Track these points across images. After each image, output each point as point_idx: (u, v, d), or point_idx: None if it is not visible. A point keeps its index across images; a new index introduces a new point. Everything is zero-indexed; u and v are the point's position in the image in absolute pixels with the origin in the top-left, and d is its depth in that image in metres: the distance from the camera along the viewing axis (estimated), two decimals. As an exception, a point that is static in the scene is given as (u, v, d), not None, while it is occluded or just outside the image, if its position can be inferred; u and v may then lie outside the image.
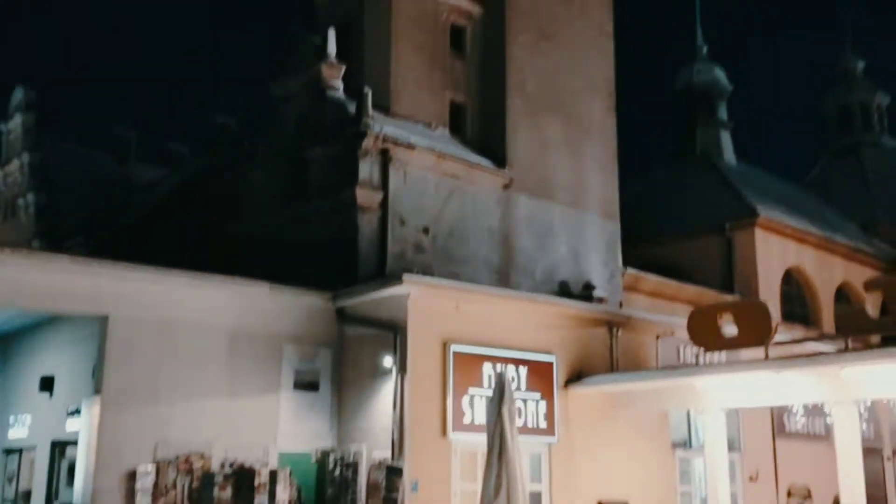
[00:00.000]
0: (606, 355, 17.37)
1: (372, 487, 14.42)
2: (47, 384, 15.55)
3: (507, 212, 21.02)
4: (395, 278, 15.21)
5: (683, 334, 16.33)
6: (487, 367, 15.54)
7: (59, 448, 15.62)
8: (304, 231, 19.30)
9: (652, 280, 25.15)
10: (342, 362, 16.14)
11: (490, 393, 13.43)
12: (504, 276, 20.39)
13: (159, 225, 29.33)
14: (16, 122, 34.16)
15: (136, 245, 26.21)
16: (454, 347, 15.22)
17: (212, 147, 34.02)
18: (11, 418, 17.16)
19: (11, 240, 30.34)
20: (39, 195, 32.41)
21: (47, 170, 33.18)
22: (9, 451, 17.15)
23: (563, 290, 21.18)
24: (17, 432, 16.81)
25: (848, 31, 47.92)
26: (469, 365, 15.36)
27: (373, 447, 14.91)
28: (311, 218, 19.28)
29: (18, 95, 34.29)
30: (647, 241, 28.55)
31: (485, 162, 20.91)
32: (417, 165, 19.25)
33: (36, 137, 33.63)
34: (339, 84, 19.76)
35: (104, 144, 38.22)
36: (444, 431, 14.87)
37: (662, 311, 22.40)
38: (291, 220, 19.85)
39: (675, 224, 29.60)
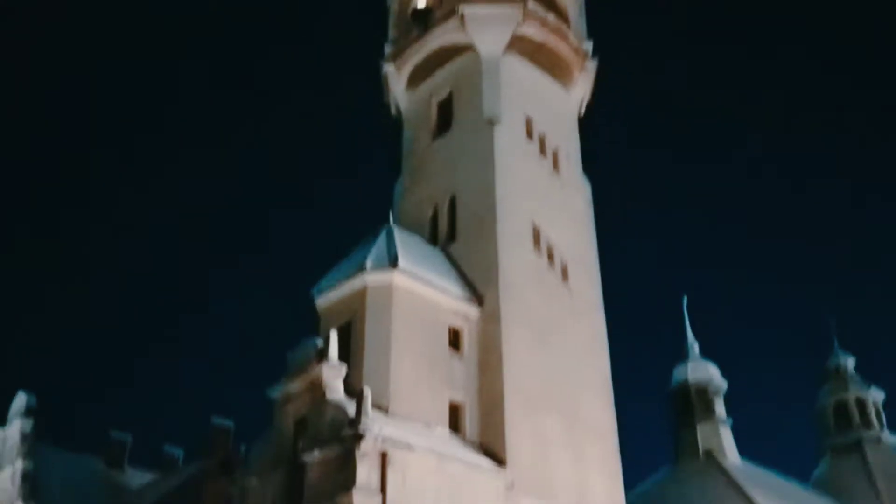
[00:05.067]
0: None
1: None
2: None
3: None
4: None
5: None
6: None
7: None
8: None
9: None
10: None
11: None
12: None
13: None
14: (13, 428, 33.97)
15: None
16: None
17: (207, 450, 33.59)
18: None
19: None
20: (28, 504, 31.36)
21: (39, 478, 32.45)
22: None
23: None
24: None
25: (834, 328, 49.35)
26: None
27: None
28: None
29: (21, 400, 34.46)
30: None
31: (485, 463, 20.61)
32: (417, 468, 18.94)
33: (31, 444, 33.28)
34: (339, 385, 20.01)
35: (99, 449, 37.70)
36: None
37: None
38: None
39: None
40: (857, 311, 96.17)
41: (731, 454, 33.70)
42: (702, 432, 34.09)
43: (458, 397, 21.98)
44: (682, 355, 37.21)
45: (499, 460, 20.88)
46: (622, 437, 24.33)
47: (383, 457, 18.40)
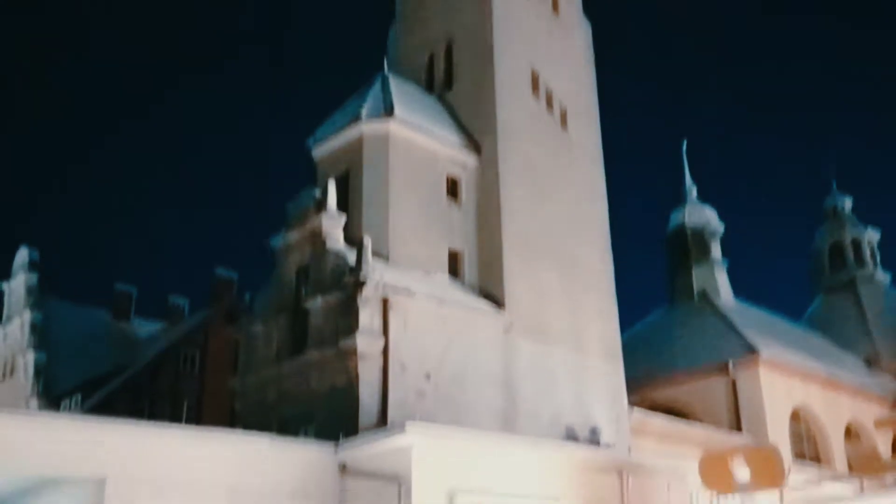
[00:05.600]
0: (618, 502, 16.85)
1: None
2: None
3: (508, 357, 20.93)
4: (399, 428, 14.96)
5: (696, 478, 15.93)
6: (496, 518, 15.02)
7: None
8: (304, 382, 19.16)
9: (659, 422, 24.77)
10: (345, 518, 15.60)
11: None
12: (508, 421, 20.07)
13: (157, 380, 29.11)
14: (18, 282, 34.55)
15: (134, 401, 25.94)
16: (460, 499, 14.78)
17: (212, 300, 34.29)
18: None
19: (10, 399, 30.00)
20: (39, 354, 32.36)
21: (47, 328, 33.27)
22: None
23: (570, 436, 20.80)
24: None
25: (833, 170, 49.38)
26: (476, 516, 14.85)
27: None
28: (311, 368, 19.17)
29: (22, 255, 34.84)
30: (651, 383, 28.34)
31: (484, 305, 21.02)
32: (417, 312, 19.33)
33: (37, 296, 33.90)
34: (339, 234, 20.12)
35: (105, 301, 38.47)
36: (453, 589, 14.21)
37: (671, 453, 21.92)
38: (292, 372, 19.72)
39: (679, 365, 29.46)
40: (856, 152, 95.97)
41: (725, 295, 34.39)
42: (697, 274, 34.64)
43: (457, 246, 22.16)
44: (680, 199, 37.30)
45: (497, 304, 21.27)
46: (618, 282, 24.76)
47: (384, 302, 18.73)
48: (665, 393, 28.47)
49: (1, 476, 14.82)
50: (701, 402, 28.36)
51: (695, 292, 34.23)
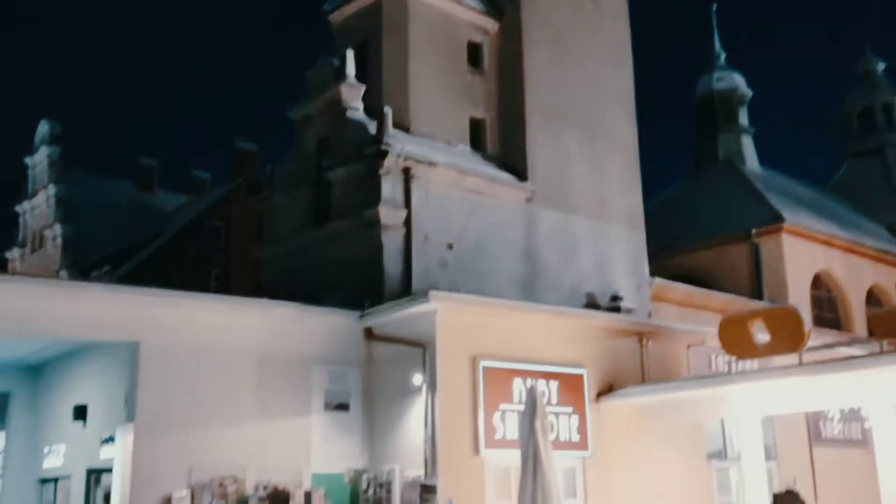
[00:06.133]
0: (637, 367, 17.20)
1: (406, 506, 14.33)
2: (81, 413, 15.63)
3: (530, 225, 20.97)
4: (422, 296, 15.18)
5: (714, 343, 16.16)
6: (517, 383, 15.42)
7: (95, 476, 15.68)
8: (328, 252, 19.37)
9: (680, 289, 24.96)
10: (372, 382, 16.11)
11: (521, 408, 13.37)
12: (530, 289, 20.31)
13: (184, 251, 29.57)
14: (41, 156, 34.70)
15: (162, 272, 26.45)
16: (483, 363, 15.14)
17: (234, 172, 34.36)
18: (46, 448, 17.25)
19: (41, 271, 30.68)
20: (66, 226, 32.85)
21: (73, 201, 33.62)
22: (44, 481, 17.24)
23: (591, 303, 21.06)
24: (52, 461, 16.90)
25: (867, 34, 47.66)
26: (499, 380, 15.26)
27: (405, 466, 14.83)
28: (335, 239, 19.35)
29: (43, 129, 34.82)
30: (673, 251, 28.39)
31: (506, 176, 20.90)
32: (439, 182, 19.28)
33: (61, 170, 34.10)
34: (359, 104, 19.86)
35: (128, 174, 38.65)
36: (476, 448, 14.77)
37: (691, 320, 22.19)
38: (316, 242, 19.92)
39: (701, 232, 29.40)
40: (891, 17, 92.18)
41: (750, 162, 33.95)
42: (723, 141, 34.11)
43: (479, 113, 21.84)
44: (708, 65, 36.29)
45: (520, 175, 21.14)
46: (643, 149, 24.41)
47: (406, 172, 18.66)
48: (687, 261, 28.55)
49: (41, 341, 15.44)
50: (722, 269, 28.46)
51: (720, 159, 33.81)
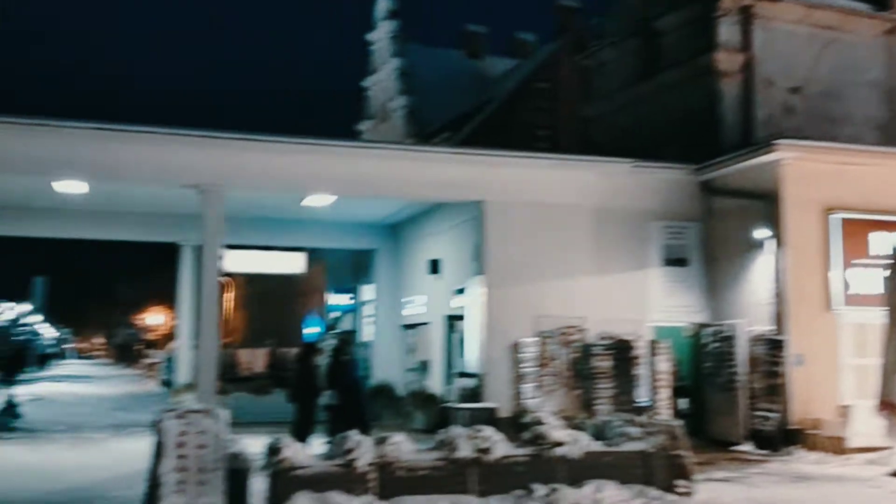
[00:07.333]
0: None
1: (753, 361, 14.03)
2: (434, 267, 17.13)
3: (892, 62, 18.58)
4: (766, 145, 14.27)
5: None
6: (876, 236, 14.15)
7: (450, 323, 17.24)
8: (659, 105, 18.76)
9: None
10: (710, 236, 15.68)
11: (880, 263, 12.33)
12: (891, 133, 18.19)
13: (514, 114, 30.34)
14: (381, 32, 36.96)
15: (494, 135, 27.40)
16: (837, 215, 14.05)
17: (558, 31, 34.12)
18: (405, 299, 19.23)
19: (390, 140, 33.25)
20: (409, 97, 34.97)
21: (412, 73, 35.61)
22: (407, 327, 19.29)
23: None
24: (413, 310, 18.82)
25: None
26: (854, 233, 14.10)
27: (750, 321, 14.43)
28: (666, 90, 18.65)
29: (382, 4, 36.93)
30: None
31: (862, 6, 18.54)
32: (784, 20, 17.61)
33: (401, 43, 36.12)
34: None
35: (457, 43, 39.95)
36: (827, 304, 13.94)
37: None
38: (646, 96, 19.38)
39: None
40: None
41: None
42: None
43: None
44: None
45: (879, 3, 18.67)
46: None
47: (746, 11, 17.24)
48: None
49: (396, 204, 17.02)
50: None
51: None
